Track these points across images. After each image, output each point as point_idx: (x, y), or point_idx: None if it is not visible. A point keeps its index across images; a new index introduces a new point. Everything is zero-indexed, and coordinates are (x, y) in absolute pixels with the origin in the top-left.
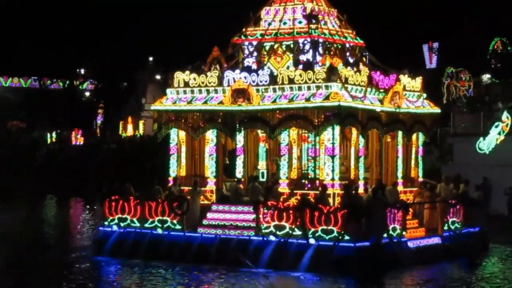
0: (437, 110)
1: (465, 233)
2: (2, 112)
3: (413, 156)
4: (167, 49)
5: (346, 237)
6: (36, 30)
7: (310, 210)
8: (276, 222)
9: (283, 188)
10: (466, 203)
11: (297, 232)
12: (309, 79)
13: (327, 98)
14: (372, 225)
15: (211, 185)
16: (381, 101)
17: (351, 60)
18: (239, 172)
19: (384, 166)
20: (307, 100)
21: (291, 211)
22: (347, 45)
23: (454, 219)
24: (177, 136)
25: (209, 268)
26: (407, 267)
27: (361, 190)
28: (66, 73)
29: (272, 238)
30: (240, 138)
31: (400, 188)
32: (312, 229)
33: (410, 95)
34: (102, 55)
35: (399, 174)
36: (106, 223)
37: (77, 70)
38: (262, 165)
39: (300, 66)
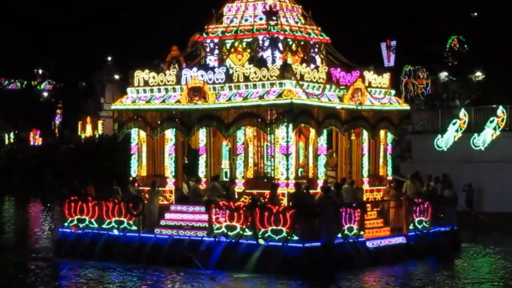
0: (405, 107)
1: (434, 232)
2: None
3: (381, 154)
4: (126, 48)
5: (295, 237)
6: None
7: (260, 210)
8: (228, 223)
9: (239, 187)
10: (435, 201)
11: (248, 233)
12: (264, 77)
13: (280, 95)
14: (323, 224)
15: (170, 185)
16: (341, 98)
17: (315, 57)
18: (201, 171)
19: (349, 164)
20: (261, 98)
21: (242, 211)
22: (312, 42)
23: (422, 218)
24: (137, 135)
25: (156, 268)
26: (364, 267)
27: (319, 189)
28: (24, 73)
29: (223, 238)
30: (202, 137)
31: (366, 186)
32: (262, 230)
33: (376, 91)
34: (60, 54)
35: (365, 172)
36: (65, 224)
37: (35, 70)
38: (225, 164)
39: (252, 64)
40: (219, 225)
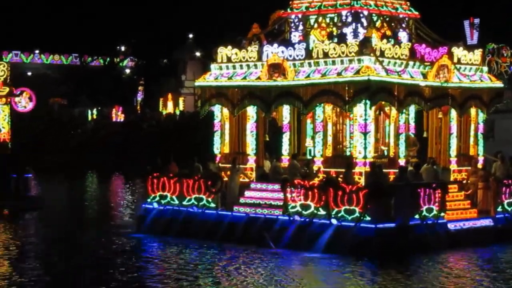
0: (498, 84)
1: None
2: (44, 89)
3: (471, 133)
4: (207, 26)
5: (368, 218)
6: (76, 8)
7: (334, 189)
8: (303, 202)
9: (318, 165)
10: None
11: (322, 212)
12: (343, 53)
13: (357, 72)
14: (398, 205)
15: (251, 162)
16: (425, 75)
17: (402, 32)
18: (285, 149)
19: (434, 144)
20: (339, 74)
21: (316, 190)
22: (401, 17)
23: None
24: (220, 112)
25: (231, 246)
26: (443, 250)
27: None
28: (107, 50)
29: (297, 217)
30: (286, 114)
31: (453, 166)
32: (336, 209)
33: (466, 68)
34: (142, 33)
35: (452, 152)
36: (148, 200)
37: (118, 47)
38: (309, 142)
39: (335, 40)
40: (294, 204)
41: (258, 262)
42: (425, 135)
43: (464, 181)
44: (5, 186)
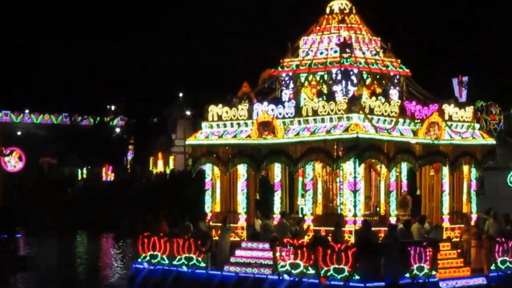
0: (490, 141)
1: None
2: (34, 148)
3: (464, 190)
4: (197, 85)
5: (357, 277)
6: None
7: (323, 248)
8: (292, 260)
9: (308, 224)
10: None
11: (312, 271)
12: (332, 111)
13: (346, 130)
14: (387, 263)
15: (242, 221)
16: (415, 133)
17: (393, 90)
18: (276, 207)
19: (427, 201)
20: (328, 132)
21: (305, 249)
22: (391, 74)
23: (505, 257)
24: (211, 171)
25: None
26: None
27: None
28: (97, 109)
29: (286, 276)
30: (277, 172)
31: (446, 224)
32: (325, 268)
33: (457, 125)
34: (131, 92)
35: (445, 209)
36: (139, 259)
37: (107, 106)
38: (301, 200)
39: (324, 97)
40: (284, 263)
41: None
42: (418, 192)
43: (457, 239)
44: None
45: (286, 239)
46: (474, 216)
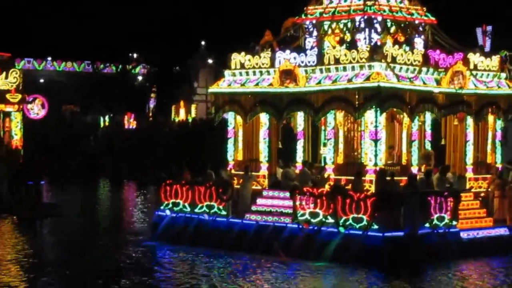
0: None
1: None
2: (56, 96)
3: (489, 140)
4: (219, 33)
5: (375, 226)
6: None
7: (342, 197)
8: (311, 209)
9: (329, 173)
10: None
11: (330, 220)
12: (354, 59)
13: (367, 78)
14: (407, 213)
15: (264, 170)
16: (439, 82)
17: (418, 38)
18: (299, 156)
19: (451, 151)
20: (349, 81)
21: (324, 198)
22: (416, 22)
23: None
24: (234, 119)
25: (241, 255)
26: (455, 259)
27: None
28: (119, 57)
29: (305, 226)
30: (300, 121)
31: (469, 174)
32: (344, 217)
33: (483, 75)
34: (155, 40)
35: (468, 160)
36: (161, 207)
37: (130, 54)
38: (324, 149)
39: (344, 45)
40: (303, 212)
41: (266, 271)
42: (443, 142)
43: (480, 189)
44: (21, 193)
45: (306, 187)
46: (498, 167)
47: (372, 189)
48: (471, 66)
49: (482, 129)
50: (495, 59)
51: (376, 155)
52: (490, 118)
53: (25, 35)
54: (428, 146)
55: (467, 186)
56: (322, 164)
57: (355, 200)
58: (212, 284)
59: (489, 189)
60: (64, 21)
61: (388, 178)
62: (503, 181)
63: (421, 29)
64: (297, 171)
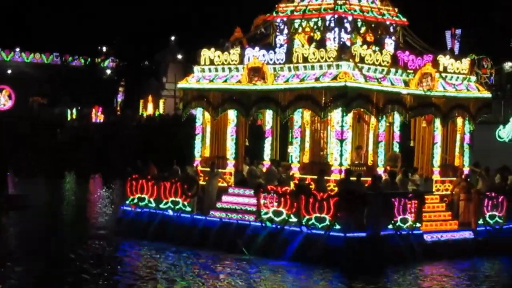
0: (485, 94)
1: (510, 229)
2: (24, 88)
3: (457, 143)
4: (189, 28)
5: (338, 226)
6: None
7: (305, 196)
8: (275, 208)
9: (295, 172)
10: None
11: (293, 219)
12: (322, 58)
13: (335, 78)
14: (370, 214)
15: (230, 167)
16: (407, 83)
17: (389, 39)
18: (266, 154)
19: (420, 153)
20: (317, 80)
21: (288, 197)
22: (387, 23)
23: (495, 212)
24: (202, 116)
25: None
26: (418, 262)
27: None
28: (88, 50)
29: (269, 224)
30: (269, 119)
31: (436, 177)
32: (307, 216)
33: (452, 77)
34: (124, 33)
35: (435, 162)
36: (127, 202)
37: (99, 47)
38: (291, 148)
39: (313, 44)
40: (267, 210)
41: (227, 268)
42: (411, 144)
43: (447, 192)
44: None
45: (270, 186)
46: (466, 170)
47: (336, 189)
48: (441, 69)
49: (450, 132)
50: (466, 62)
51: (341, 155)
52: (459, 120)
53: None
54: (396, 147)
55: (434, 189)
56: (290, 163)
57: (318, 200)
58: (171, 279)
59: (454, 192)
60: (35, 11)
61: (353, 178)
62: (469, 184)
63: (392, 30)
64: (264, 169)
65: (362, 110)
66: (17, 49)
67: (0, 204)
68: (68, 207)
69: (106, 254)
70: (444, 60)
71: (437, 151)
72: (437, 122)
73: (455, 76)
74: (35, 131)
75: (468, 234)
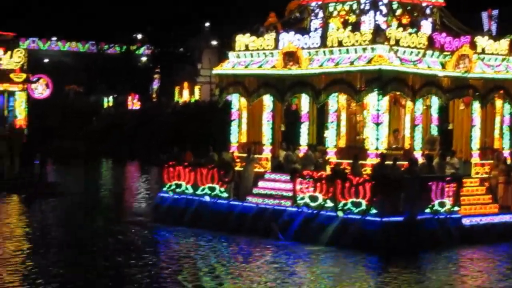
0: None
1: None
2: (60, 76)
3: (497, 125)
4: (223, 15)
5: (374, 211)
6: None
7: (341, 181)
8: (311, 193)
9: (331, 157)
10: None
11: (329, 204)
12: (356, 41)
13: (369, 61)
14: (406, 198)
15: (267, 152)
16: (444, 65)
17: (426, 21)
18: (303, 139)
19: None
20: (351, 63)
21: (324, 182)
22: (424, 5)
23: None
24: (238, 101)
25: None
26: (456, 246)
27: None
28: (123, 38)
29: (305, 209)
30: (305, 104)
31: (475, 160)
32: (343, 201)
33: (491, 58)
34: (159, 20)
35: (474, 145)
36: (164, 188)
37: (134, 35)
38: (327, 133)
39: (348, 27)
40: (303, 195)
41: (263, 254)
42: (450, 127)
43: (486, 175)
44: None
45: (306, 171)
46: (506, 152)
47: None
48: (479, 50)
49: (489, 114)
50: (504, 42)
51: (377, 139)
52: (498, 102)
53: (30, 15)
54: (434, 130)
55: (473, 172)
56: (326, 147)
57: (354, 184)
58: (209, 264)
59: (491, 175)
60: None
61: (388, 162)
62: (508, 167)
63: (428, 11)
64: (301, 154)
65: (398, 93)
66: (54, 38)
67: (39, 191)
68: (105, 194)
69: (143, 240)
70: (482, 41)
71: (476, 134)
72: (476, 104)
73: (493, 57)
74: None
75: (508, 218)
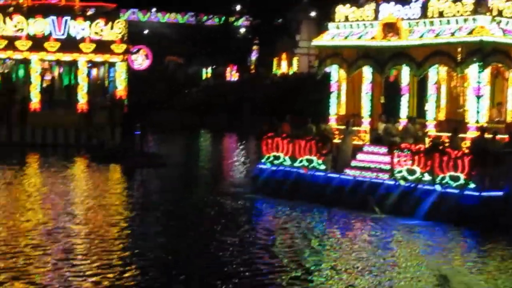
0: None
1: None
2: (160, 47)
3: None
4: None
5: (472, 185)
6: None
7: (439, 154)
8: (409, 166)
9: (430, 129)
10: None
11: (427, 178)
12: (458, 12)
13: (470, 32)
14: (506, 173)
15: (365, 124)
16: None
17: None
18: (403, 112)
19: None
20: (452, 34)
21: (422, 155)
22: None
23: None
24: (337, 73)
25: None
26: None
27: None
28: (222, 9)
29: (402, 182)
30: (405, 76)
31: None
32: (441, 175)
33: None
34: None
35: None
36: (262, 160)
37: (233, 6)
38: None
39: None
40: (401, 168)
41: (360, 226)
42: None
43: None
44: (127, 143)
45: (404, 144)
46: None
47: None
48: None
49: None
50: None
51: (478, 112)
52: None
53: None
54: None
55: None
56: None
57: (452, 158)
58: (306, 236)
59: None
60: None
61: (488, 136)
62: None
63: None
64: (401, 126)
65: (500, 65)
66: (153, 9)
67: (140, 162)
68: (203, 165)
69: (241, 211)
70: None
71: None
72: None
73: None
74: (169, 91)
75: None
